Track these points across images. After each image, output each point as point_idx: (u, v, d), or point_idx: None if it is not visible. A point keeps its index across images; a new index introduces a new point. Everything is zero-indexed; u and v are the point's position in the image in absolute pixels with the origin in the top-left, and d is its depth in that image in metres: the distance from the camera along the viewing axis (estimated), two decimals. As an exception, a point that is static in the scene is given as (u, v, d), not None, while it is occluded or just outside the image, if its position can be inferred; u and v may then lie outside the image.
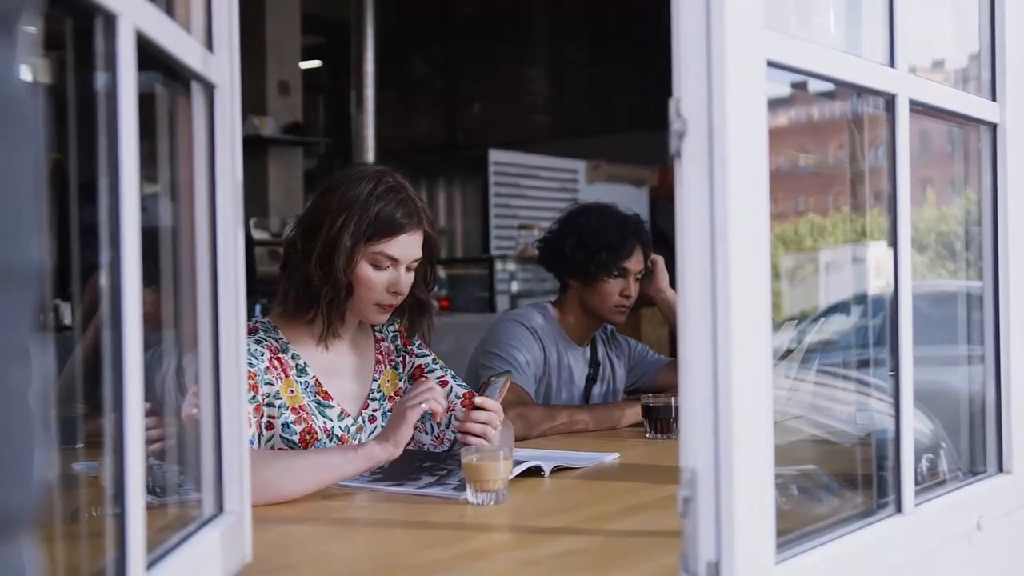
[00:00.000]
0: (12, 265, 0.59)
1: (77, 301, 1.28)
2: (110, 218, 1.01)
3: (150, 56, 1.12)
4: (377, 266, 2.22)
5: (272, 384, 2.18)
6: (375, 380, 2.38)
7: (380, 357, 2.41)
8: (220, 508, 1.39)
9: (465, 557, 1.60)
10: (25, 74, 0.64)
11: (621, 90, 9.60)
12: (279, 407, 2.18)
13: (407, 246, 2.24)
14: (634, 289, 3.06)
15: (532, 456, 2.23)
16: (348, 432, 2.28)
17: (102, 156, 1.01)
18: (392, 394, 2.39)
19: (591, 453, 2.38)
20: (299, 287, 2.23)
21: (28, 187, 0.61)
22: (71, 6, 0.98)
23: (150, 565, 1.09)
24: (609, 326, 3.22)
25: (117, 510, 1.03)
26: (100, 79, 1.02)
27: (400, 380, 2.42)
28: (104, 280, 1.01)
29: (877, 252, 1.93)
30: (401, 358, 2.44)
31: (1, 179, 0.58)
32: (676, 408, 2.69)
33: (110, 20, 1.01)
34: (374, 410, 2.36)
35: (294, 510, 1.89)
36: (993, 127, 1.85)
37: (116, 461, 1.01)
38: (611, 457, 2.39)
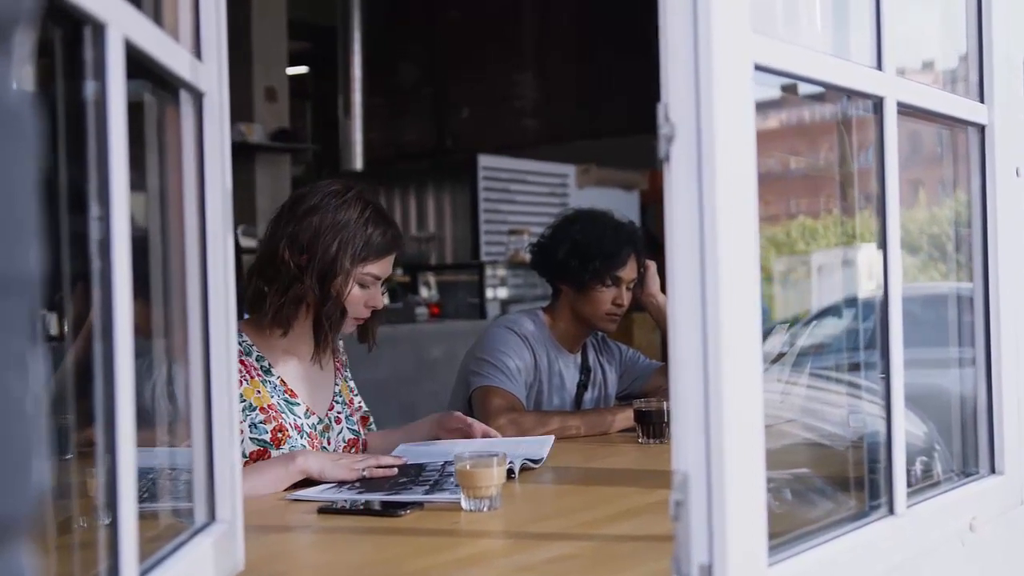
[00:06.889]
0: (11, 275, 0.60)
1: (67, 311, 1.28)
2: (100, 227, 1.01)
3: (137, 64, 1.12)
4: (363, 285, 2.34)
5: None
6: (336, 385, 2.49)
7: (339, 365, 2.53)
8: (212, 517, 1.38)
9: (460, 563, 1.59)
10: (21, 84, 0.64)
11: (610, 94, 9.61)
12: (244, 409, 2.24)
13: (390, 265, 2.38)
14: (626, 297, 3.05)
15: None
16: (315, 430, 2.37)
17: (91, 164, 1.01)
18: (347, 401, 2.51)
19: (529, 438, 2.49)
20: (292, 303, 2.30)
21: (27, 197, 0.61)
22: (60, 14, 0.97)
23: (143, 574, 1.09)
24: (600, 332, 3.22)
25: (107, 520, 1.03)
26: (89, 87, 1.02)
27: (351, 392, 2.55)
28: (94, 290, 1.01)
29: (868, 255, 1.93)
30: (348, 372, 2.57)
31: (1, 189, 0.58)
32: (668, 412, 2.69)
33: (99, 29, 1.00)
34: (338, 412, 2.46)
35: (286, 519, 1.89)
36: (981, 128, 1.86)
37: (108, 470, 1.01)
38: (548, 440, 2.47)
